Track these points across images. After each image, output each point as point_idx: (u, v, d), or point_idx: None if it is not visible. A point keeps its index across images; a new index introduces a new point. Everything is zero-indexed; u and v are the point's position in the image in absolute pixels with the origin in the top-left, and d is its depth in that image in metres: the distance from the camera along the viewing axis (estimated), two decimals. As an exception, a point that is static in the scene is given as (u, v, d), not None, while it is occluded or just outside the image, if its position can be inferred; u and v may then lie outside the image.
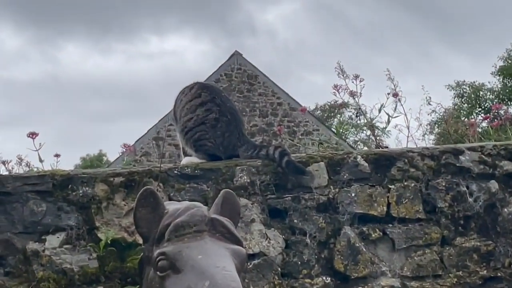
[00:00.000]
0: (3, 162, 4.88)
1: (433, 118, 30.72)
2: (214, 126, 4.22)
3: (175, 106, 4.46)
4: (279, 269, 4.01)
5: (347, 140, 25.65)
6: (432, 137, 29.94)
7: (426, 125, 29.49)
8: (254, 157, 4.15)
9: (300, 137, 23.17)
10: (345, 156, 4.22)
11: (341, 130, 4.83)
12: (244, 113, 22.69)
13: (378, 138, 5.33)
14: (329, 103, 36.48)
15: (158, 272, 2.50)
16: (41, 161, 4.47)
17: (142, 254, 2.77)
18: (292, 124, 22.94)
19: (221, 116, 4.24)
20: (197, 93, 4.33)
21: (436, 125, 31.14)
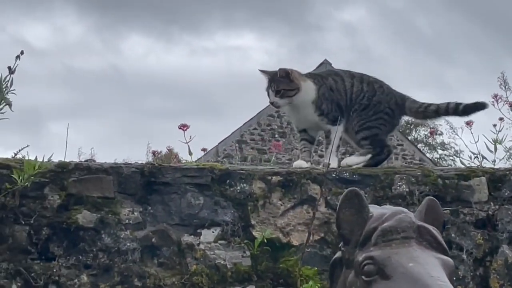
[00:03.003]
0: (154, 153, 4.89)
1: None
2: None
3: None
4: (433, 283, 3.89)
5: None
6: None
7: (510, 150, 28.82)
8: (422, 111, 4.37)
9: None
10: (507, 172, 4.09)
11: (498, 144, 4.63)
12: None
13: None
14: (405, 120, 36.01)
15: (363, 277, 2.41)
16: (190, 153, 4.45)
17: (336, 256, 2.70)
18: (377, 137, 22.64)
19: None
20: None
21: (520, 149, 30.43)
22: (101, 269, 3.78)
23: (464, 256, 3.95)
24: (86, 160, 4.29)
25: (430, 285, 2.28)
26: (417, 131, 37.13)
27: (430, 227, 2.54)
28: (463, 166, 4.31)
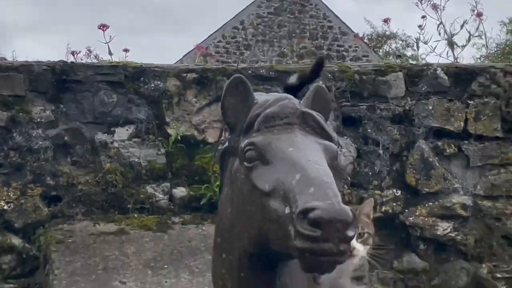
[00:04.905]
0: (73, 53, 4.80)
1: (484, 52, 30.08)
2: None
3: None
4: (349, 178, 3.91)
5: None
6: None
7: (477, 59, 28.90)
8: None
9: (349, 62, 22.90)
10: (425, 67, 4.07)
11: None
12: (293, 35, 22.46)
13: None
14: (374, 33, 35.81)
15: (245, 163, 2.37)
16: (110, 54, 4.37)
17: (224, 145, 2.66)
18: (342, 49, 22.58)
19: None
20: None
21: (487, 60, 30.51)
22: (12, 168, 3.76)
23: (381, 151, 3.96)
24: (-4, 59, 4.21)
25: (307, 168, 2.25)
26: (389, 44, 37.01)
27: (315, 113, 2.50)
28: (381, 63, 4.27)
